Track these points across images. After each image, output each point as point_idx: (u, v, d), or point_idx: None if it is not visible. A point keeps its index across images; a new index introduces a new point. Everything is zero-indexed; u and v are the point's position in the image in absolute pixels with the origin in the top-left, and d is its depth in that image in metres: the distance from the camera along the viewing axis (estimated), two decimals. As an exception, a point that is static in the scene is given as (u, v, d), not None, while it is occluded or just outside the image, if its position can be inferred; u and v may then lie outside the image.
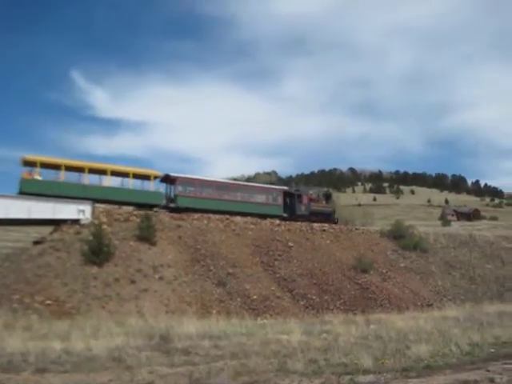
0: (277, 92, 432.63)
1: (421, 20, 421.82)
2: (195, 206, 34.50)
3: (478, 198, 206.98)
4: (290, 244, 32.46)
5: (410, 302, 30.96)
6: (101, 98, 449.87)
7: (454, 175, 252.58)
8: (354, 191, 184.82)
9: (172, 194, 34.99)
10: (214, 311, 21.66)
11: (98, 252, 25.88)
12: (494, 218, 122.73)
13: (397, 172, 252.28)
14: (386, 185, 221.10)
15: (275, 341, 13.63)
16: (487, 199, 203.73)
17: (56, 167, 31.32)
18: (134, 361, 10.04)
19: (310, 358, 11.53)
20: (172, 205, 34.26)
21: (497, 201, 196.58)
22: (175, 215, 32.36)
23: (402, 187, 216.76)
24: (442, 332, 16.56)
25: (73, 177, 32.27)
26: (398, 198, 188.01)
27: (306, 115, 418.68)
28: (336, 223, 41.29)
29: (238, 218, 33.78)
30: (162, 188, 35.81)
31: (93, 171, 32.46)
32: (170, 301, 24.27)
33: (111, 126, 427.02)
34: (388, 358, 11.98)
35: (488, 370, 11.12)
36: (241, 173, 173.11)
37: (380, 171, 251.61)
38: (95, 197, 31.14)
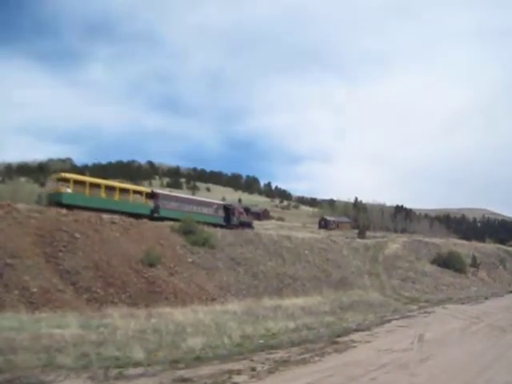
0: (78, 76, 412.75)
1: (224, 23, 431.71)
2: (168, 215, 43.67)
3: (268, 199, 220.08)
4: (77, 235, 31.15)
5: (196, 296, 31.73)
6: None
7: (248, 176, 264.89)
8: (151, 184, 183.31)
9: (154, 206, 44.50)
10: (-15, 305, 19.94)
11: None
12: (281, 219, 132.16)
13: (194, 169, 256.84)
14: (183, 180, 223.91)
15: (48, 335, 13.12)
16: (277, 201, 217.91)
17: (82, 183, 40.16)
18: None
19: (82, 352, 11.30)
20: (155, 214, 43.53)
21: (285, 203, 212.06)
22: None
23: (198, 184, 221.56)
24: (219, 325, 17.39)
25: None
26: (193, 194, 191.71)
27: (105, 104, 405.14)
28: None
29: (21, 206, 31.54)
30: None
31: (107, 188, 41.93)
32: None
33: None
34: (161, 351, 12.22)
35: (252, 360, 11.95)
36: (32, 157, 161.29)
37: (178, 166, 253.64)
38: (109, 208, 39.48)
